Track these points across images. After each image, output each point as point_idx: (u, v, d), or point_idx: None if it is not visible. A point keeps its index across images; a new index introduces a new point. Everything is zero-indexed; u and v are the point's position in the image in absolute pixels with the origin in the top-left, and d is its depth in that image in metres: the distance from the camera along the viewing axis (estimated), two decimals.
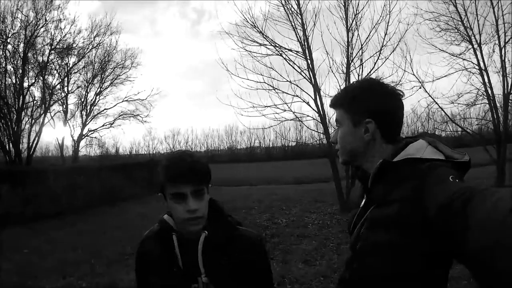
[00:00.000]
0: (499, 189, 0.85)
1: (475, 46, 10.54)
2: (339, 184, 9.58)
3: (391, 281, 1.19)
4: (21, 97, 19.43)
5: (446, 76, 10.97)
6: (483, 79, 10.53)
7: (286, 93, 10.09)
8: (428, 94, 10.48)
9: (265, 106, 10.07)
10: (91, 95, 26.29)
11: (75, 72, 24.11)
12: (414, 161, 1.22)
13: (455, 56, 10.90)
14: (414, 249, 1.13)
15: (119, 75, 26.43)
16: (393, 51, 9.63)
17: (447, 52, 11.00)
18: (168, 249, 1.48)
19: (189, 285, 1.47)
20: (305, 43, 9.87)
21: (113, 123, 27.16)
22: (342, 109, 1.41)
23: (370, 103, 1.36)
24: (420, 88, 10.27)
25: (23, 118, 19.70)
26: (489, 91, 10.48)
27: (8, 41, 18.53)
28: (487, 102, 10.69)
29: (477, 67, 10.60)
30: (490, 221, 0.76)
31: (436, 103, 10.68)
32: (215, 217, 1.53)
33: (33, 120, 20.63)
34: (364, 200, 1.37)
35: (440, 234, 0.97)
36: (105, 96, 26.92)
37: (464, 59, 10.83)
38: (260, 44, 10.01)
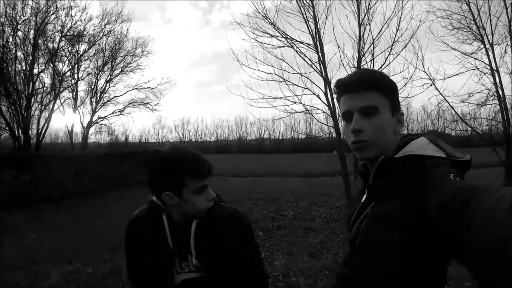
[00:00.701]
0: (500, 187, 0.83)
1: (487, 46, 10.38)
2: (347, 178, 9.50)
3: (390, 279, 1.18)
4: (31, 83, 19.59)
5: (457, 74, 10.85)
6: (494, 80, 10.35)
7: (296, 85, 9.99)
8: (439, 92, 10.35)
9: (275, 98, 10.00)
10: (101, 82, 26.56)
11: (85, 60, 24.33)
12: (415, 158, 1.19)
13: (466, 55, 10.75)
14: (414, 247, 1.12)
15: (130, 63, 26.64)
16: (404, 47, 9.48)
17: (458, 51, 10.87)
18: (158, 229, 1.53)
19: (179, 264, 1.54)
20: (317, 36, 9.75)
21: (122, 110, 27.39)
22: (378, 93, 1.27)
23: (398, 95, 1.35)
24: (431, 85, 10.16)
25: (33, 105, 19.87)
26: (500, 92, 10.30)
27: (19, 27, 18.63)
28: (498, 103, 10.52)
29: (488, 67, 10.44)
30: (491, 219, 0.74)
31: (447, 101, 10.54)
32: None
33: (43, 107, 20.82)
34: (365, 196, 1.35)
35: (440, 232, 0.95)
36: (115, 84, 27.16)
37: (476, 59, 10.68)
38: (272, 36, 9.91)
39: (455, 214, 0.87)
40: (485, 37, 10.38)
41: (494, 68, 10.31)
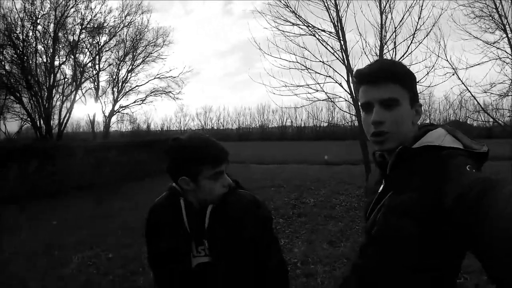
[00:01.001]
0: None
1: (510, 35, 10.05)
2: (369, 167, 9.45)
3: (405, 269, 1.19)
4: (52, 75, 19.97)
5: (479, 64, 10.48)
6: None
7: (318, 73, 9.95)
8: (461, 81, 10.08)
9: (298, 86, 10.00)
10: (122, 72, 27.00)
11: (106, 51, 24.74)
12: (433, 148, 1.20)
13: (489, 44, 10.41)
14: (431, 238, 1.12)
15: (151, 53, 26.96)
16: (426, 35, 9.33)
17: (481, 40, 10.53)
18: (176, 213, 1.59)
19: (195, 247, 1.59)
20: (338, 24, 9.63)
21: (144, 99, 27.79)
22: (398, 85, 1.26)
23: (416, 86, 1.35)
24: (453, 74, 9.87)
25: (54, 95, 20.33)
26: None
27: (38, 22, 18.97)
28: None
29: (510, 56, 10.10)
30: (506, 212, 0.74)
31: (469, 91, 10.24)
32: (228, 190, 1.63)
33: (64, 97, 21.39)
34: (382, 186, 1.35)
35: (456, 224, 0.94)
36: (136, 74, 27.56)
37: (498, 48, 10.34)
38: (293, 24, 9.81)
39: (471, 206, 0.87)
40: (507, 26, 10.06)
41: None
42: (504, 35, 10.10)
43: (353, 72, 1.36)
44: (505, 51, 10.22)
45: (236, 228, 1.58)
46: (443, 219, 1.02)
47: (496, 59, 10.27)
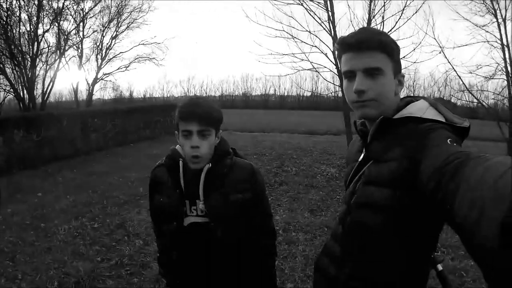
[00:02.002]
0: (495, 155, 0.82)
1: (500, 20, 10.13)
2: (351, 138, 9.54)
3: (383, 236, 1.23)
4: (36, 43, 19.42)
5: (467, 45, 10.65)
6: (504, 55, 10.16)
7: (305, 42, 10.01)
8: (447, 60, 10.18)
9: (283, 54, 10.02)
10: (107, 39, 26.30)
11: (90, 17, 23.97)
12: (414, 120, 1.22)
13: (478, 27, 10.55)
14: (408, 207, 1.15)
15: (136, 19, 26.24)
16: (415, 12, 9.40)
17: (470, 22, 10.67)
18: (174, 173, 1.70)
19: (189, 207, 1.70)
20: None
21: (128, 66, 27.23)
22: (383, 54, 1.26)
23: (399, 56, 1.35)
24: (440, 53, 10.03)
25: (37, 64, 19.80)
26: (509, 68, 10.11)
27: None
28: (506, 78, 10.33)
29: (499, 41, 10.23)
30: (481, 184, 0.73)
31: (455, 70, 10.35)
32: (221, 155, 1.73)
33: (48, 66, 20.79)
34: (362, 155, 1.38)
35: (432, 195, 0.95)
36: (121, 40, 26.96)
37: (487, 32, 10.47)
38: None
39: (447, 178, 0.88)
40: (498, 11, 10.13)
41: (505, 44, 10.12)
42: (494, 20, 10.22)
43: (338, 39, 1.35)
44: (494, 35, 10.34)
45: (230, 193, 1.68)
46: (421, 190, 1.03)
47: (484, 42, 10.43)
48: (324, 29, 9.83)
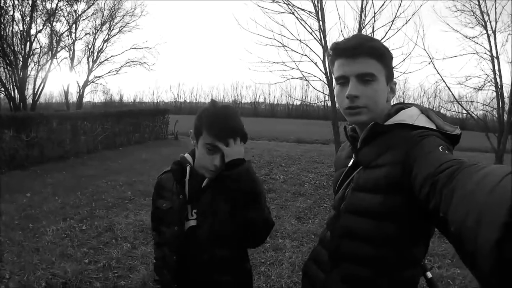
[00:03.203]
0: (489, 164, 0.81)
1: (489, 32, 10.34)
2: (339, 147, 9.59)
3: (372, 242, 1.23)
4: (28, 43, 19.38)
5: (456, 56, 10.87)
6: (493, 66, 10.36)
7: (295, 51, 10.14)
8: (437, 71, 10.40)
9: (273, 62, 10.16)
10: (99, 42, 26.44)
11: (83, 19, 24.17)
12: (405, 127, 1.22)
13: (468, 38, 10.74)
14: (397, 213, 1.16)
15: (128, 23, 26.40)
16: (406, 23, 9.65)
17: (460, 33, 10.87)
18: (181, 179, 1.70)
19: (191, 210, 1.69)
20: (319, 4, 9.73)
21: (119, 70, 27.29)
22: (376, 61, 1.27)
23: (392, 64, 1.36)
24: (429, 64, 10.22)
25: (29, 65, 19.75)
26: (498, 79, 10.31)
27: None
28: (494, 89, 10.53)
29: (488, 53, 10.41)
30: (478, 190, 0.71)
31: (444, 81, 10.59)
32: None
33: (40, 67, 20.82)
34: (352, 161, 1.38)
35: (424, 202, 0.96)
36: (113, 43, 27.04)
37: (477, 43, 10.67)
38: (273, 0, 9.86)
39: (440, 185, 0.87)
40: (488, 23, 10.33)
41: (494, 55, 10.30)
42: (484, 32, 10.41)
43: (331, 45, 1.35)
44: (483, 46, 10.53)
45: (230, 200, 1.63)
46: (411, 197, 1.04)
47: (474, 53, 10.61)
48: (315, 38, 10.02)
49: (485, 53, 10.50)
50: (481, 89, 10.80)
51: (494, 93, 10.64)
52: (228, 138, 1.55)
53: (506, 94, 10.46)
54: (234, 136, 1.57)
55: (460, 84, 10.73)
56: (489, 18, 10.28)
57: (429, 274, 1.43)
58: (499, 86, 10.28)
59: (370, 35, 9.51)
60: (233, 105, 1.76)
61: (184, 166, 1.72)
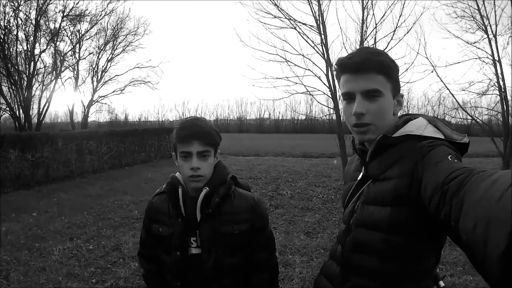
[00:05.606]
0: (497, 170, 0.81)
1: (490, 36, 10.30)
2: (346, 160, 9.57)
3: (383, 255, 1.21)
4: (32, 63, 19.62)
5: (458, 63, 10.79)
6: (496, 70, 10.29)
7: (298, 66, 10.13)
8: (440, 79, 10.32)
9: (277, 78, 10.15)
10: (102, 61, 26.72)
11: (87, 39, 24.53)
12: (413, 138, 1.21)
13: (469, 44, 10.69)
14: (409, 225, 1.14)
15: (132, 42, 26.67)
16: (407, 33, 9.61)
17: (461, 39, 10.81)
18: (174, 201, 1.67)
19: (192, 234, 1.66)
20: (320, 18, 9.76)
21: (123, 89, 27.47)
22: (382, 76, 1.24)
23: (398, 76, 1.34)
24: (432, 72, 10.18)
25: (34, 84, 19.97)
26: (501, 83, 10.25)
27: (20, 8, 18.56)
28: (498, 93, 10.46)
29: (490, 57, 10.35)
30: (487, 198, 0.72)
31: (448, 88, 10.50)
32: (219, 178, 1.70)
33: (44, 86, 21.03)
34: (361, 174, 1.36)
35: (434, 212, 0.94)
36: (116, 63, 27.34)
37: (478, 48, 10.61)
38: (275, 16, 9.92)
39: (450, 194, 0.87)
40: (488, 27, 10.30)
41: (496, 59, 10.25)
42: (485, 36, 10.35)
43: (337, 61, 1.33)
44: (485, 51, 10.47)
45: (225, 224, 1.64)
46: (422, 207, 1.03)
47: (476, 58, 10.51)
48: (317, 52, 10.01)
49: (487, 57, 10.47)
50: (485, 94, 10.75)
51: (498, 97, 10.60)
52: (194, 140, 1.59)
53: (510, 97, 10.42)
54: (201, 137, 1.60)
55: (464, 90, 10.66)
56: (489, 22, 10.28)
57: (441, 283, 1.40)
58: (503, 90, 10.23)
59: (372, 46, 9.53)
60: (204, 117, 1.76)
61: (176, 188, 1.69)
